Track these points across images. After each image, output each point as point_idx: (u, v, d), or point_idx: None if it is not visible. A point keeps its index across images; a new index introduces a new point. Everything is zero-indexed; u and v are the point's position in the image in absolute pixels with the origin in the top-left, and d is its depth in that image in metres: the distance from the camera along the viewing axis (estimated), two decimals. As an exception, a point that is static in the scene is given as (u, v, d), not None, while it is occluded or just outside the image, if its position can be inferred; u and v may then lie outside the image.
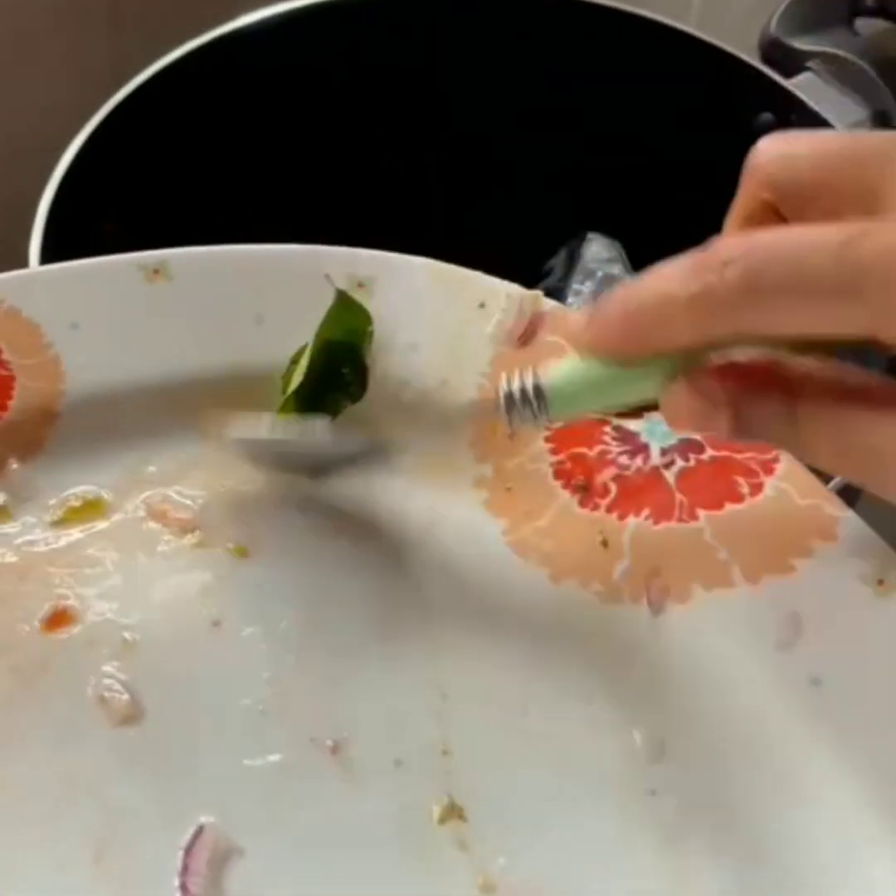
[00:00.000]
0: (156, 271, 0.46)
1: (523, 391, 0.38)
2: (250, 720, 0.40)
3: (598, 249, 0.72)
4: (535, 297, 0.46)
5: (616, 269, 0.70)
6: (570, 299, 0.69)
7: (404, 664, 0.42)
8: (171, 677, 0.40)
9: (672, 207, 0.72)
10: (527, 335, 0.46)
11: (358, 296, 0.46)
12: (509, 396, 0.38)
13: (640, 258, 0.74)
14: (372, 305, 0.46)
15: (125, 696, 0.39)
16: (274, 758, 0.39)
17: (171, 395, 0.45)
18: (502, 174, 0.77)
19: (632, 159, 0.74)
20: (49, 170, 0.60)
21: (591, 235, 0.72)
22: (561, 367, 0.38)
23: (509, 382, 0.38)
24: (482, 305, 0.47)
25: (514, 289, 0.47)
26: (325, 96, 0.73)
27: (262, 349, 0.46)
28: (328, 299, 0.45)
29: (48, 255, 0.56)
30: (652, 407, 0.38)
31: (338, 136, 0.75)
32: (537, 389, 0.38)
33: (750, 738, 0.41)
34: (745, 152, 0.69)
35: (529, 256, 0.73)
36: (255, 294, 0.47)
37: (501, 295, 0.47)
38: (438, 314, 0.47)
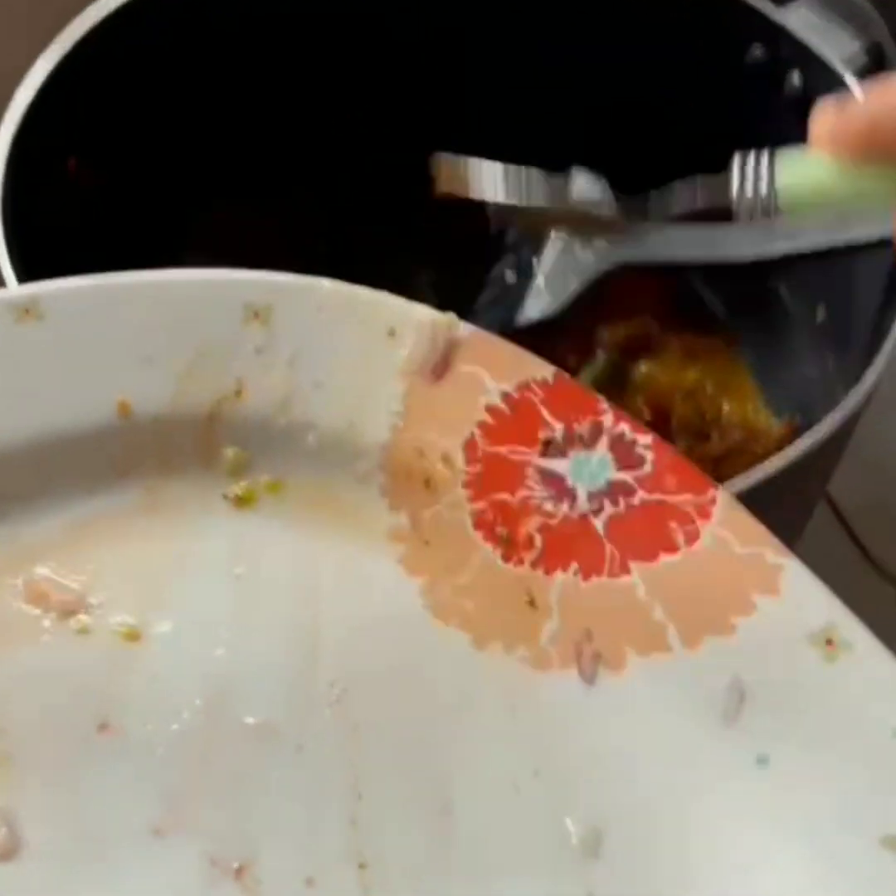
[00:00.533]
0: (26, 311, 0.41)
1: (756, 182, 0.38)
2: (142, 843, 0.36)
3: (583, 185, 0.65)
4: (449, 323, 0.41)
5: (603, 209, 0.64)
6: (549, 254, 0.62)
7: (314, 758, 0.38)
8: (52, 798, 0.36)
9: (660, 144, 0.67)
10: (440, 367, 0.41)
11: (254, 327, 0.41)
12: (741, 185, 0.37)
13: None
14: (270, 338, 0.41)
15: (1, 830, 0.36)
16: (168, 887, 0.35)
17: (49, 450, 0.40)
18: (483, 110, 0.71)
19: (616, 95, 0.68)
20: (6, 104, 0.55)
21: (575, 170, 0.65)
22: (796, 161, 0.42)
23: (742, 171, 0.39)
24: (391, 333, 0.42)
25: (426, 312, 0.42)
26: (299, 33, 0.67)
27: (154, 393, 0.41)
28: (226, 330, 0.41)
29: (11, 198, 0.52)
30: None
31: (314, 69, 0.69)
32: (769, 181, 0.38)
33: (690, 821, 0.36)
34: (734, 87, 0.64)
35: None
36: (141, 332, 0.42)
37: (413, 320, 0.42)
38: (344, 346, 0.42)
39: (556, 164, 0.68)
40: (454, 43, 0.68)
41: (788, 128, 0.61)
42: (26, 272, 0.49)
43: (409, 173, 0.61)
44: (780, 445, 0.52)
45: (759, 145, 0.63)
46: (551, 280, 0.60)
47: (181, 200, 0.66)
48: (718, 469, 0.61)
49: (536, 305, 0.60)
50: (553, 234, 0.62)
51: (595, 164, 0.68)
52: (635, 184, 0.62)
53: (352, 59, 0.69)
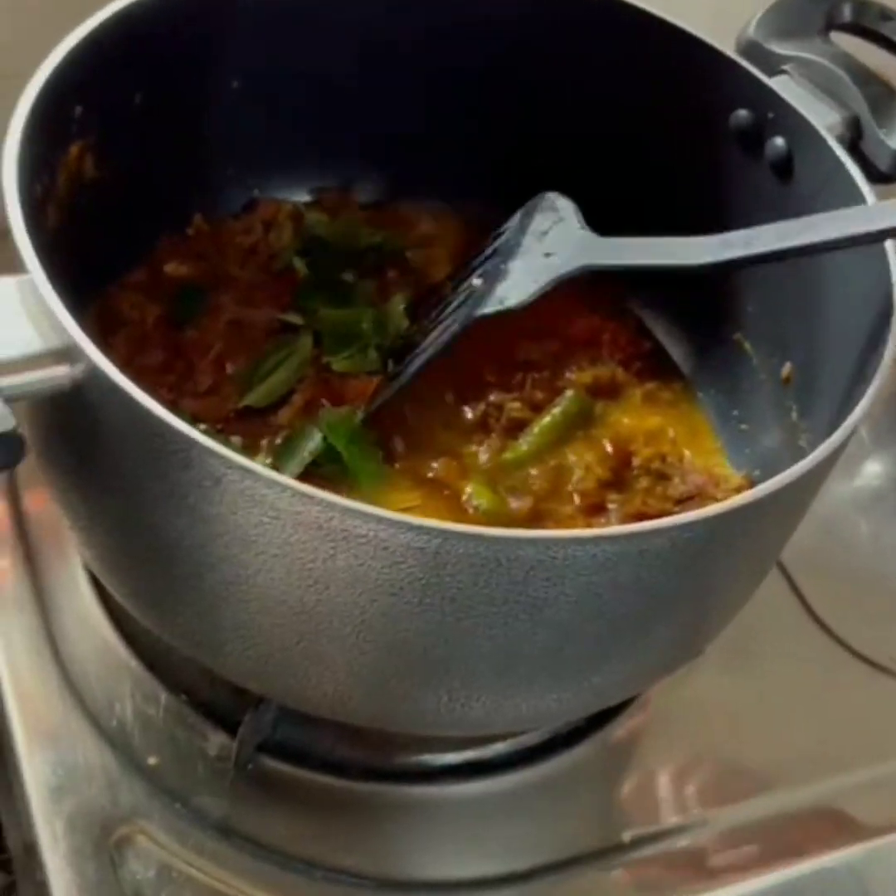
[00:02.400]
0: None
1: None
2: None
3: (551, 207, 0.67)
4: None
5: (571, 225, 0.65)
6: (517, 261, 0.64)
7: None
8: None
9: (642, 193, 0.69)
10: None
11: None
12: None
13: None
14: None
15: None
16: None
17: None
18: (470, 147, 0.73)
19: (603, 142, 0.70)
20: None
21: (548, 195, 0.67)
22: None
23: None
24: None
25: None
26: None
27: None
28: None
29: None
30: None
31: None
32: None
33: None
34: (719, 150, 0.67)
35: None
36: None
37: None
38: None
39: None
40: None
41: (768, 188, 0.64)
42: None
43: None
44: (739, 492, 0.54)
45: (734, 201, 0.66)
46: (516, 280, 0.62)
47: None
48: (680, 509, 0.63)
49: (497, 301, 0.62)
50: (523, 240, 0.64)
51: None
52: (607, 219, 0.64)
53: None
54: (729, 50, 0.65)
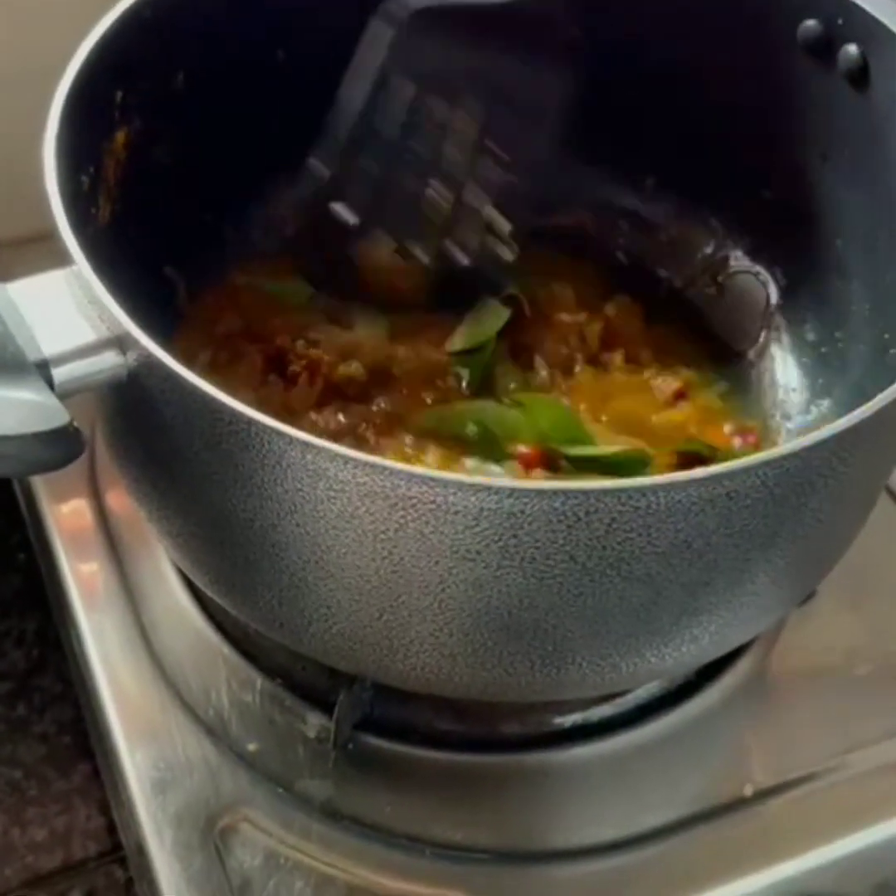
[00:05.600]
0: None
1: None
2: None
3: None
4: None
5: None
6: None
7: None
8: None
9: (706, 126, 0.66)
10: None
11: None
12: None
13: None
14: None
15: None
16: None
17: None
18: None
19: (659, 73, 0.66)
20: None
21: None
22: None
23: None
24: None
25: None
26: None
27: None
28: None
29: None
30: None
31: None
32: None
33: None
34: (783, 67, 0.63)
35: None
36: None
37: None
38: None
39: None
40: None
41: (843, 99, 0.60)
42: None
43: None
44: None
45: (808, 115, 0.63)
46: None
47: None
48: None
49: None
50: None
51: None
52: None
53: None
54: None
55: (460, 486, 0.42)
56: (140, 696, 0.59)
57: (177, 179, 0.62)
